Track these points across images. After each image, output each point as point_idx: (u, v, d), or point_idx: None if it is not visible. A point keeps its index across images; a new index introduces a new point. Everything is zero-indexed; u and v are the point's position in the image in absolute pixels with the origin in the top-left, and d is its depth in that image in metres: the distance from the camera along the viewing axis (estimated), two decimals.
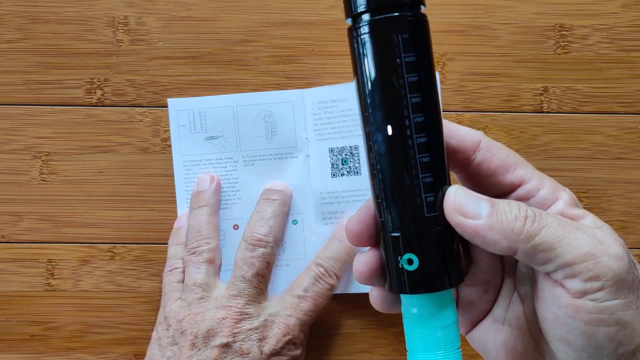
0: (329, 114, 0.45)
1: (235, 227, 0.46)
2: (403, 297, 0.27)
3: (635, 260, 0.27)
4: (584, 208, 0.45)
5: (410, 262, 0.26)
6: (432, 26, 0.45)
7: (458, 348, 0.27)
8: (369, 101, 0.26)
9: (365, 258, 0.28)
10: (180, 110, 0.45)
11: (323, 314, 0.46)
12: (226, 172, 0.45)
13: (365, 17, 0.26)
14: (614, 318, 0.25)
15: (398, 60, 0.26)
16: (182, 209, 0.46)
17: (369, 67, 0.26)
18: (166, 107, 0.46)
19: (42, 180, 0.46)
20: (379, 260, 0.28)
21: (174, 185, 0.46)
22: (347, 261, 0.43)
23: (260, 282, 0.42)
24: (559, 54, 0.45)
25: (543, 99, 0.46)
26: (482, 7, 0.45)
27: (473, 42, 0.45)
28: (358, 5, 0.26)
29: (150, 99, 0.46)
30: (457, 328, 0.27)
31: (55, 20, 0.46)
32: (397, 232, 0.26)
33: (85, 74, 0.46)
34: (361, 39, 0.26)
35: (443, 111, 0.45)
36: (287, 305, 0.42)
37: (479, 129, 0.45)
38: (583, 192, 0.46)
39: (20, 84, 0.46)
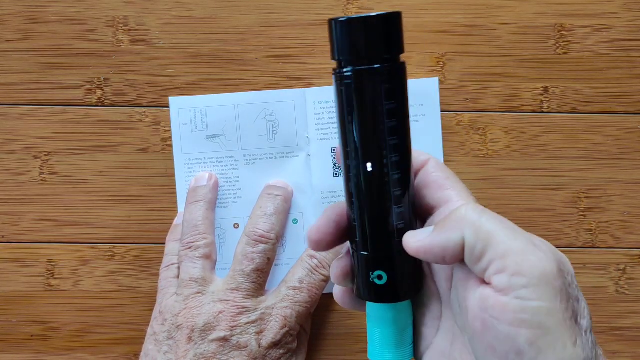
0: (331, 114, 0.45)
1: (236, 225, 0.46)
2: (369, 303, 0.31)
3: (574, 278, 0.27)
4: (584, 208, 0.45)
5: (380, 277, 0.30)
6: (432, 26, 0.45)
7: (410, 345, 0.32)
8: (351, 139, 0.29)
9: (341, 264, 0.32)
10: (182, 108, 0.45)
11: (323, 314, 0.46)
12: (227, 170, 0.45)
13: (350, 66, 0.28)
14: (536, 320, 0.25)
15: (380, 108, 0.28)
16: (183, 206, 0.45)
17: (354, 110, 0.29)
18: (166, 107, 0.46)
19: (42, 180, 0.46)
20: (350, 267, 0.31)
21: (174, 185, 0.46)
22: (338, 253, 0.43)
23: (259, 277, 0.42)
24: (559, 54, 0.46)
25: (543, 99, 0.46)
26: (482, 7, 0.45)
27: (473, 42, 0.46)
28: (343, 53, 0.28)
29: (150, 99, 0.46)
30: (411, 331, 0.32)
31: (55, 20, 0.46)
32: (369, 252, 0.30)
33: (85, 74, 0.46)
34: (345, 84, 0.28)
35: (444, 111, 0.46)
36: (283, 297, 0.41)
37: (479, 129, 0.46)
38: (583, 192, 0.46)
39: (20, 84, 0.46)
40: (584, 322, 0.27)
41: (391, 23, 0.28)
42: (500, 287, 0.26)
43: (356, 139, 0.29)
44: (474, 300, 0.27)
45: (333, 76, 0.29)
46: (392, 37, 0.28)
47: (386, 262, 0.30)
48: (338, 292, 0.33)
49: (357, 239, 0.30)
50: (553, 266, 0.26)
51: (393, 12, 0.28)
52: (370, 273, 0.30)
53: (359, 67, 0.28)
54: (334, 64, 0.29)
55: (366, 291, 0.31)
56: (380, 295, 0.30)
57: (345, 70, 0.28)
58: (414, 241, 0.29)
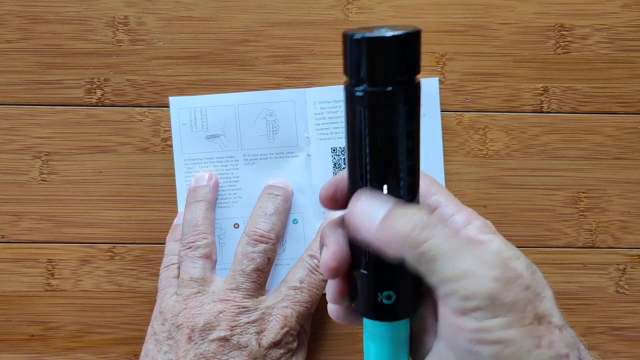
0: (332, 114, 0.45)
1: (236, 225, 0.46)
2: (368, 319, 0.31)
3: (535, 272, 0.27)
4: (584, 208, 0.45)
5: (389, 297, 0.29)
6: (432, 26, 0.45)
7: None
8: (357, 159, 0.28)
9: (339, 284, 0.30)
10: (182, 108, 0.45)
11: (323, 314, 0.46)
12: (227, 170, 0.45)
13: (363, 85, 0.27)
14: (494, 337, 0.25)
15: (393, 130, 0.27)
16: (183, 206, 0.45)
17: (363, 132, 0.27)
18: (166, 107, 0.46)
19: (42, 180, 0.46)
20: (348, 286, 0.30)
21: (174, 185, 0.46)
22: None
23: (260, 277, 0.42)
24: (559, 54, 0.46)
25: (543, 99, 0.46)
26: (482, 7, 0.45)
27: (473, 42, 0.46)
28: (355, 72, 0.27)
29: (150, 99, 0.46)
30: (407, 347, 0.31)
31: (55, 20, 0.46)
32: (377, 273, 0.29)
33: (85, 74, 0.46)
34: (357, 103, 0.27)
35: (444, 111, 0.46)
36: (283, 297, 0.41)
37: (479, 129, 0.46)
38: (583, 192, 0.46)
39: (20, 84, 0.46)
40: (555, 319, 0.26)
41: (410, 44, 0.26)
42: (454, 309, 0.26)
43: (364, 160, 0.27)
44: (439, 314, 0.27)
45: (344, 91, 0.28)
46: (409, 58, 0.26)
47: (395, 282, 0.29)
48: (332, 308, 0.32)
49: (366, 260, 0.29)
50: (499, 285, 0.25)
51: (412, 32, 0.26)
52: (379, 293, 0.29)
53: (373, 89, 0.26)
54: (343, 74, 0.28)
55: (371, 310, 0.30)
56: (385, 314, 0.30)
57: (357, 89, 0.27)
58: (365, 226, 0.27)
